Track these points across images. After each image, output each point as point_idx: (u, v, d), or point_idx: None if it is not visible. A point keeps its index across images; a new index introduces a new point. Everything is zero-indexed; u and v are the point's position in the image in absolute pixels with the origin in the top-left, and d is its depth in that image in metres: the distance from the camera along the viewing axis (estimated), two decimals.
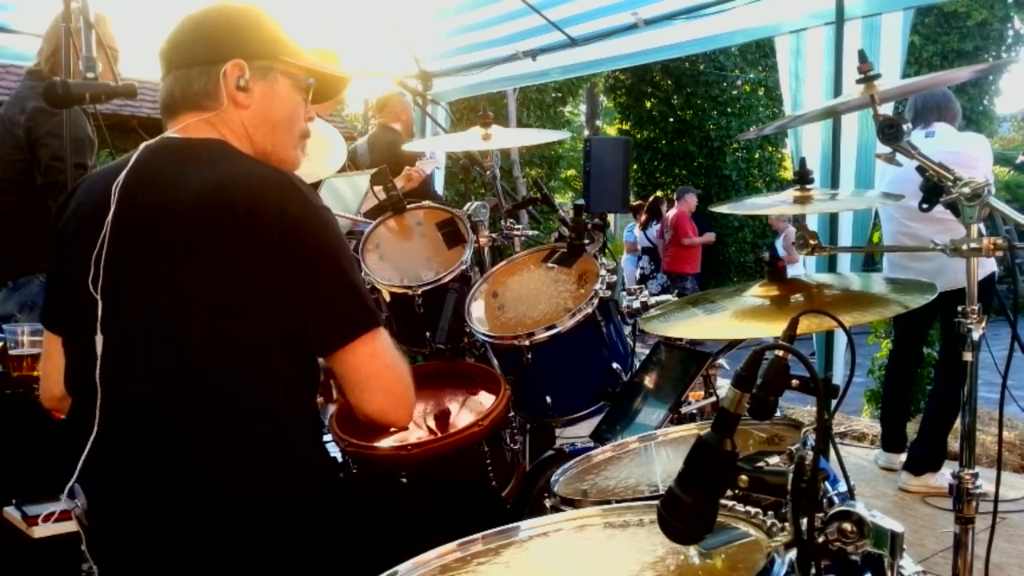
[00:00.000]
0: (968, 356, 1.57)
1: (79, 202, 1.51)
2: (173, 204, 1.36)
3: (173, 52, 1.49)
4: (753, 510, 1.08)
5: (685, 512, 0.92)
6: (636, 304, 2.28)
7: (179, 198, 1.36)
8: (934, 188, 1.60)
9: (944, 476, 3.55)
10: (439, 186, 6.28)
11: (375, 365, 1.41)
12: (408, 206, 2.61)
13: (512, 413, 2.10)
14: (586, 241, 2.34)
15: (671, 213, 10.21)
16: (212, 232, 1.33)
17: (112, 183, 1.40)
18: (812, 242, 1.84)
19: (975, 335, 1.57)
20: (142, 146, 1.47)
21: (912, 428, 4.11)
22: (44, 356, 1.61)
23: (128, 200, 1.39)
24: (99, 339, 1.36)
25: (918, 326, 4.01)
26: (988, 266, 3.57)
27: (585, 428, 2.25)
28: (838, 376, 4.22)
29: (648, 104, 15.82)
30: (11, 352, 2.21)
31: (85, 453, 1.36)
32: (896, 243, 3.79)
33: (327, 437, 1.81)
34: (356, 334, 1.38)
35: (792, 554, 0.94)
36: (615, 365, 2.20)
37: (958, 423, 3.40)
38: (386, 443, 1.87)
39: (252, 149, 1.49)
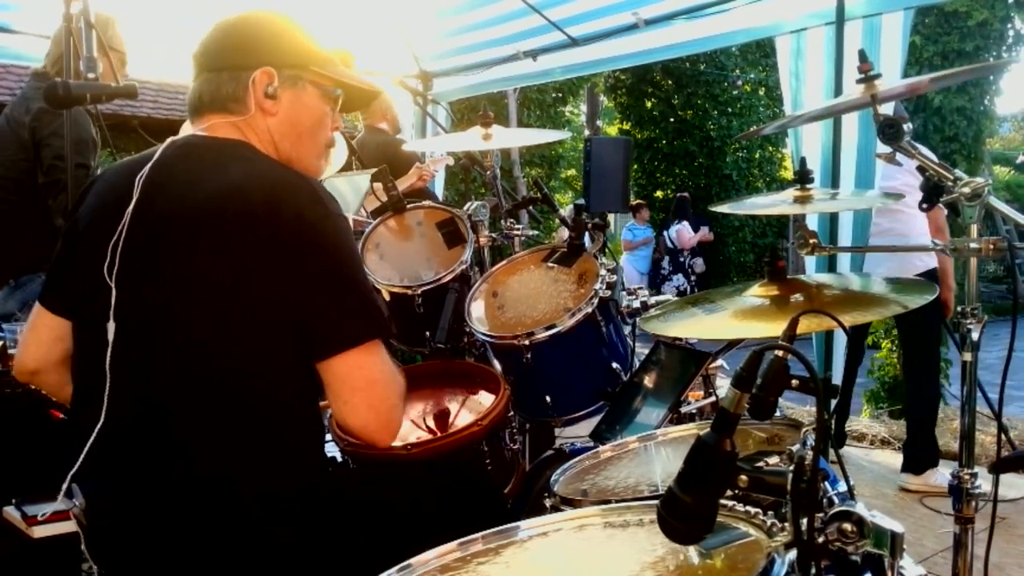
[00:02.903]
0: (968, 356, 1.57)
1: (98, 192, 1.52)
2: (193, 201, 1.37)
3: (204, 56, 1.50)
4: (753, 510, 1.08)
5: (685, 512, 0.92)
6: (636, 304, 2.28)
7: (199, 195, 1.37)
8: (934, 188, 1.60)
9: (944, 475, 3.56)
10: (439, 186, 6.27)
11: (364, 379, 1.40)
12: (408, 206, 2.61)
13: (512, 413, 2.10)
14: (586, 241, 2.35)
15: None
16: (229, 231, 1.34)
17: (135, 175, 1.41)
18: (812, 242, 1.84)
19: (975, 335, 1.57)
20: (168, 141, 1.49)
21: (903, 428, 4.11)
22: (28, 328, 1.58)
23: (150, 193, 1.40)
24: (111, 327, 1.36)
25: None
26: (930, 261, 3.61)
27: (585, 428, 2.25)
28: (838, 376, 4.22)
29: (648, 104, 15.80)
30: (11, 352, 2.21)
31: (90, 442, 1.35)
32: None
33: (327, 437, 1.81)
34: (350, 344, 1.38)
35: (792, 554, 0.94)
36: (615, 365, 2.20)
37: (957, 423, 3.41)
38: None
39: (277, 156, 1.50)
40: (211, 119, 1.48)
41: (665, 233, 11.05)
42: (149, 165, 1.43)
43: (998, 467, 1.69)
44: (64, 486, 1.40)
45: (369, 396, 1.41)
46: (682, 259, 11.06)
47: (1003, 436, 1.72)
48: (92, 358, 1.38)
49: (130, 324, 1.37)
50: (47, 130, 2.82)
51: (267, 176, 1.40)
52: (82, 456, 1.36)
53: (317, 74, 1.52)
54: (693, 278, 11.09)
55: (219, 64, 1.48)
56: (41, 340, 1.53)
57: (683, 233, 11.09)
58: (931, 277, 3.49)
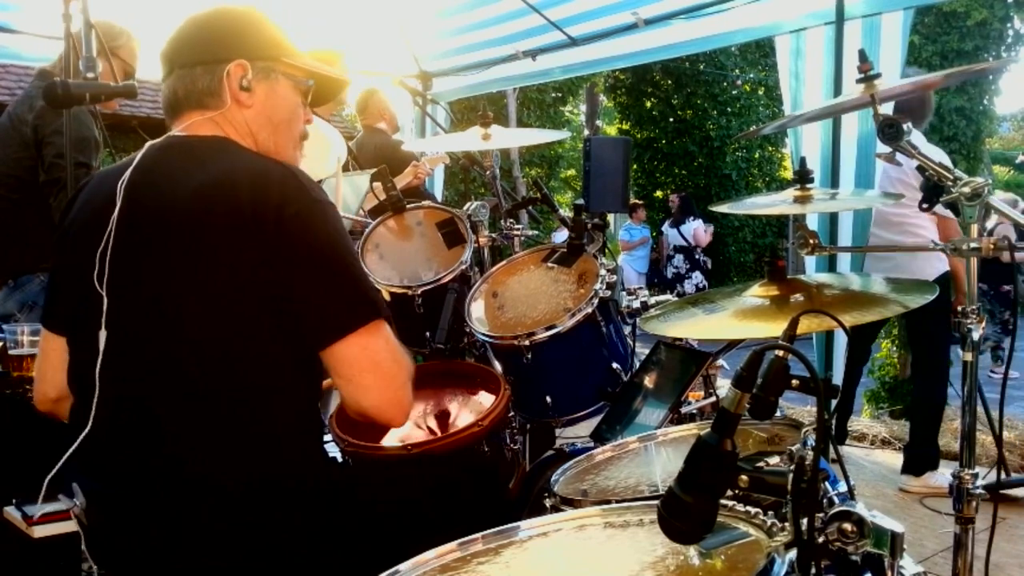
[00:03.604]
0: (968, 356, 1.57)
1: (85, 200, 1.52)
2: (178, 201, 1.37)
3: (176, 52, 1.50)
4: (753, 510, 1.08)
5: (685, 512, 0.92)
6: (636, 304, 2.28)
7: (183, 194, 1.36)
8: (934, 188, 1.60)
9: (944, 476, 3.56)
10: (439, 186, 6.26)
11: (370, 360, 1.39)
12: (408, 206, 2.61)
13: (512, 413, 2.10)
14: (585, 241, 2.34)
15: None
16: (217, 227, 1.34)
17: (118, 181, 1.41)
18: (812, 242, 1.84)
19: (975, 335, 1.57)
20: (147, 144, 1.48)
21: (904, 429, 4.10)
22: (40, 357, 1.60)
23: (134, 197, 1.40)
24: (102, 335, 1.36)
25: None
26: (940, 266, 3.60)
27: (585, 428, 2.25)
28: (838, 376, 4.22)
29: (648, 104, 15.81)
30: (11, 352, 2.21)
31: (74, 447, 1.36)
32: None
33: (327, 437, 1.81)
34: (352, 327, 1.37)
35: (792, 554, 0.94)
36: (615, 365, 2.20)
37: (958, 423, 3.41)
38: (386, 443, 1.87)
39: (256, 148, 1.50)
40: (189, 117, 1.48)
41: (677, 230, 10.94)
42: (130, 169, 1.42)
43: (996, 488, 1.70)
44: (42, 492, 1.40)
45: (378, 376, 1.40)
46: (697, 256, 10.97)
47: (1002, 445, 1.73)
48: (84, 367, 1.39)
49: (121, 328, 1.37)
50: (49, 128, 2.82)
51: (250, 168, 1.39)
52: (60, 462, 1.37)
53: (289, 65, 1.53)
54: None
55: (192, 60, 1.48)
56: (56, 365, 1.51)
57: (699, 231, 10.96)
58: (943, 283, 3.45)
